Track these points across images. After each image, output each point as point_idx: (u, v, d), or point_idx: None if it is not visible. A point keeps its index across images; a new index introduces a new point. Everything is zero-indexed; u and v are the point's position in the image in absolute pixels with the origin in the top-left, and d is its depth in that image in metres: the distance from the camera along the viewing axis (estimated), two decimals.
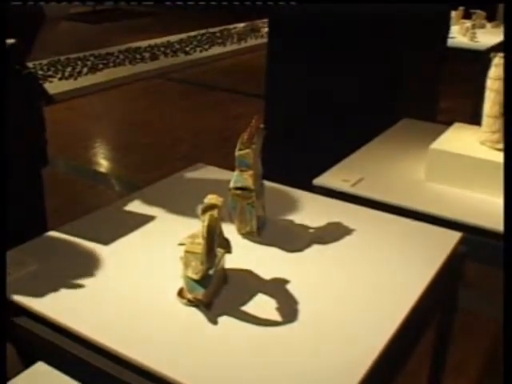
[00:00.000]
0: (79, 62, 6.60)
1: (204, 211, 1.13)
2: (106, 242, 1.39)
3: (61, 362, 1.13)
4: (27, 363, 1.52)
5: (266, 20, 8.60)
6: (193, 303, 1.15)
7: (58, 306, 1.15)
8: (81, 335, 1.08)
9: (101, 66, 6.50)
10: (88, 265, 1.29)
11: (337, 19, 2.54)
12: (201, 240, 1.13)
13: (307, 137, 2.69)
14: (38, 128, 1.83)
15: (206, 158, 4.04)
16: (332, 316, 1.15)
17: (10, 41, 1.60)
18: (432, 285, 1.27)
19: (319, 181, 1.79)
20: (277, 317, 1.14)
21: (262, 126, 1.39)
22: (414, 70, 2.68)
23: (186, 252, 1.14)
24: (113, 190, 3.85)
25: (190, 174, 1.78)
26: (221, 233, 1.20)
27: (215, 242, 1.14)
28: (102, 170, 4.13)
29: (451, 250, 1.38)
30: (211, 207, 1.13)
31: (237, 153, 1.36)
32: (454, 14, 4.73)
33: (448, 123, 2.08)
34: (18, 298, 1.17)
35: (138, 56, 7.00)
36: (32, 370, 1.49)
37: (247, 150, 1.35)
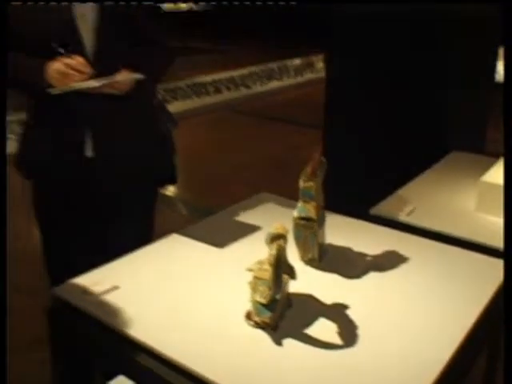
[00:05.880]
0: None
1: (272, 240, 1.13)
2: (179, 267, 1.42)
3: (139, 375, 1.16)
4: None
5: (320, 55, 8.66)
6: (260, 325, 1.16)
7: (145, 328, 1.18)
8: (165, 356, 1.10)
9: (169, 98, 6.63)
10: (165, 288, 1.32)
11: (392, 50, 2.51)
12: (268, 267, 1.13)
13: (364, 166, 2.67)
14: (169, 150, 1.89)
15: (268, 183, 4.02)
16: (390, 340, 1.14)
17: (139, 76, 1.61)
18: (484, 313, 1.24)
19: (376, 210, 1.79)
20: (338, 339, 1.14)
21: (323, 159, 1.39)
22: (460, 106, 2.64)
23: (255, 277, 1.15)
24: (178, 214, 3.87)
25: (256, 203, 1.79)
26: (285, 260, 1.20)
27: (281, 269, 1.15)
28: (168, 193, 4.17)
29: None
30: (278, 237, 1.13)
31: (301, 185, 1.36)
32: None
33: (497, 154, 2.04)
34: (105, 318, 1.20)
35: (202, 90, 7.11)
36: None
37: (311, 183, 1.35)
